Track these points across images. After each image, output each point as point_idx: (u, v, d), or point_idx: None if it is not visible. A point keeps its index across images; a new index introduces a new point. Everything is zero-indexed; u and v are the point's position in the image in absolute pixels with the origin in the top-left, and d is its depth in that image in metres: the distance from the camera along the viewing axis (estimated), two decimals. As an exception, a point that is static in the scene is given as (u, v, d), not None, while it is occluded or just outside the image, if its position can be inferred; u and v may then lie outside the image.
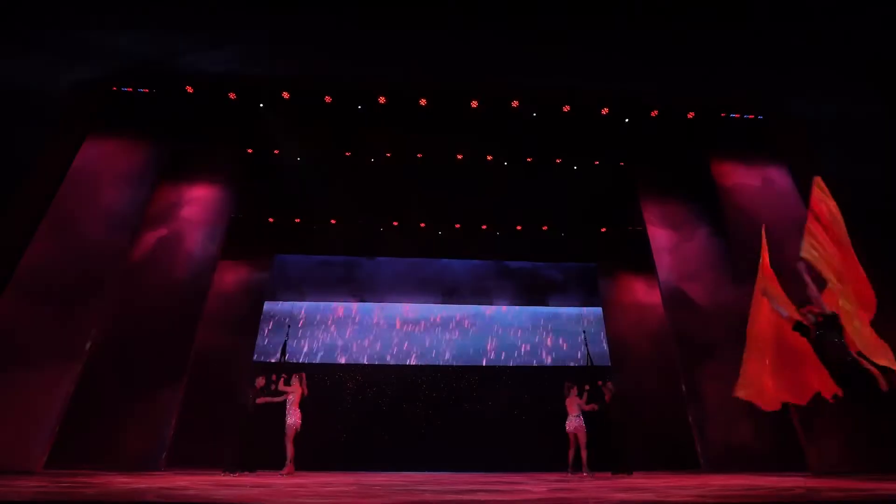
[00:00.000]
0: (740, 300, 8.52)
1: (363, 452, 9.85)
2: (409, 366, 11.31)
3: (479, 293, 12.38)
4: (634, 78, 8.51)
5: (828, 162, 7.49)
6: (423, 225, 11.47)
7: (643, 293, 11.40)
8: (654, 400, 9.87)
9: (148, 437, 7.07)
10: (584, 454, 7.39)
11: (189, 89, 8.31)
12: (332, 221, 11.33)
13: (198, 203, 9.00)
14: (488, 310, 12.37)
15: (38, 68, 7.43)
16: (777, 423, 7.48)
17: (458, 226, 11.56)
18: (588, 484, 5.31)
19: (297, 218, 11.29)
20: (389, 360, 11.52)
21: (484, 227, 11.59)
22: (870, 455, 6.24)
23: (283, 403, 7.34)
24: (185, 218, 8.80)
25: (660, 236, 9.30)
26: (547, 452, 9.72)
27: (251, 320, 10.72)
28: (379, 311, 12.12)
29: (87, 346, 6.69)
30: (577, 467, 7.45)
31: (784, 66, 8.20)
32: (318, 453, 9.52)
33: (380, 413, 10.43)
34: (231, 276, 10.88)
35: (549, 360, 11.81)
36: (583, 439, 7.46)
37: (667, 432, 9.31)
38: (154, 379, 7.36)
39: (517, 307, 12.45)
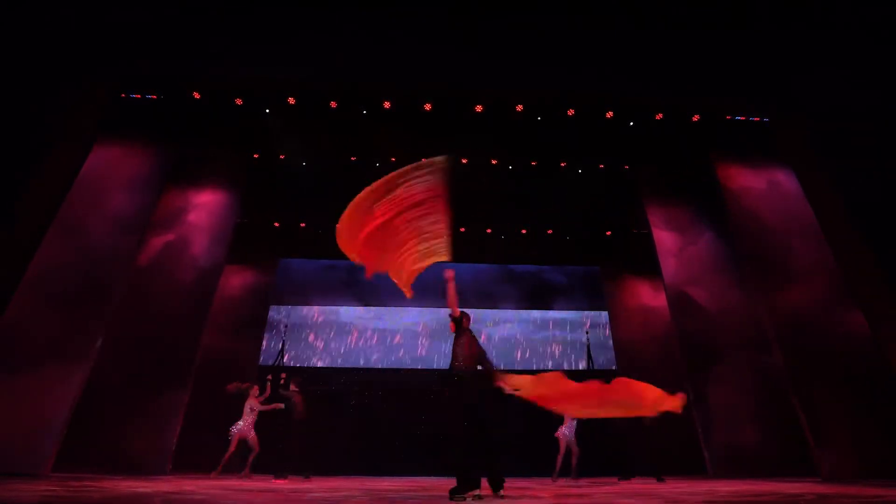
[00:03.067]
0: (746, 303, 8.51)
1: (369, 457, 9.83)
2: (415, 370, 11.29)
3: (483, 297, 12.37)
4: (639, 81, 8.50)
5: (832, 163, 7.46)
6: (427, 229, 11.48)
7: (648, 296, 11.35)
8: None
9: (154, 441, 7.09)
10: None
11: (196, 95, 8.37)
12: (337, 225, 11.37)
13: (204, 208, 9.06)
14: (493, 314, 12.34)
15: (47, 74, 7.51)
16: (784, 428, 7.42)
17: (462, 229, 11.55)
18: (595, 489, 5.28)
19: (301, 222, 11.33)
20: (394, 364, 11.51)
21: (489, 230, 11.59)
22: (880, 461, 6.17)
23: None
24: (192, 223, 8.85)
25: (665, 239, 9.27)
26: (552, 457, 9.69)
27: (256, 324, 10.75)
28: (383, 316, 12.13)
29: (94, 350, 6.72)
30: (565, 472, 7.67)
31: (788, 68, 8.19)
32: (323, 458, 9.52)
33: (386, 417, 10.42)
34: (237, 280, 10.92)
35: (553, 365, 11.76)
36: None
37: (673, 437, 9.23)
38: (160, 383, 7.38)
39: (522, 311, 12.43)
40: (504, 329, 12.19)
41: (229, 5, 7.38)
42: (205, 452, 8.52)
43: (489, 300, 12.40)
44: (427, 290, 12.21)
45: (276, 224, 11.35)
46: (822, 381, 6.70)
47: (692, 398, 8.27)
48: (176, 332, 7.81)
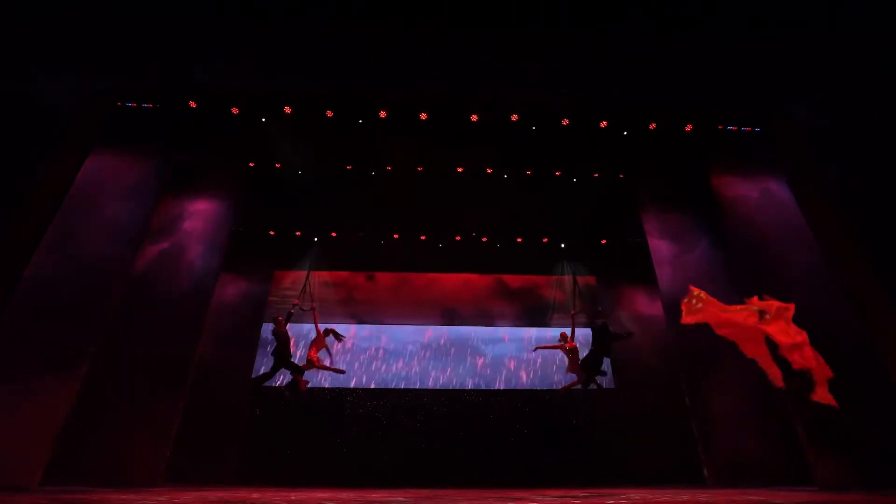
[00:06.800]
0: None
1: (362, 468, 9.69)
2: (410, 390, 11.03)
3: (480, 315, 12.16)
4: (633, 90, 8.60)
5: (826, 171, 7.54)
6: (423, 237, 11.47)
7: (644, 305, 11.35)
8: (658, 413, 9.76)
9: (147, 452, 6.98)
10: None
11: (192, 104, 8.41)
12: (333, 234, 11.32)
13: (200, 216, 9.02)
14: (489, 331, 12.07)
15: (45, 84, 7.52)
16: (784, 437, 7.39)
17: (458, 238, 11.56)
18: (590, 501, 5.23)
19: (297, 231, 11.29)
20: (390, 382, 11.24)
21: (484, 239, 11.59)
22: (879, 469, 6.16)
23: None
24: (187, 231, 8.81)
25: (660, 248, 9.30)
26: (549, 468, 9.63)
27: (251, 334, 10.64)
28: (378, 333, 11.88)
29: (88, 359, 6.64)
30: None
31: (781, 79, 8.30)
32: (316, 468, 9.40)
33: (380, 428, 10.28)
34: (232, 290, 10.84)
35: (551, 383, 11.43)
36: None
37: (671, 446, 9.20)
38: (154, 393, 7.29)
39: (519, 328, 12.18)
40: (500, 346, 11.92)
41: (226, 14, 7.42)
42: (198, 463, 8.42)
43: (486, 318, 12.13)
44: (424, 307, 12.03)
45: (272, 233, 11.30)
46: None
47: (689, 406, 8.25)
48: (171, 341, 7.73)
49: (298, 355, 8.10)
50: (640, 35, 8.17)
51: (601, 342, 7.15)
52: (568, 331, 7.79)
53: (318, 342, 7.39)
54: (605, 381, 11.06)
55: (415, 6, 7.74)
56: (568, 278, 10.86)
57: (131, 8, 7.22)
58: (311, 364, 7.18)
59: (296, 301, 8.10)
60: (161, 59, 7.94)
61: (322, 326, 7.57)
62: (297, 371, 7.09)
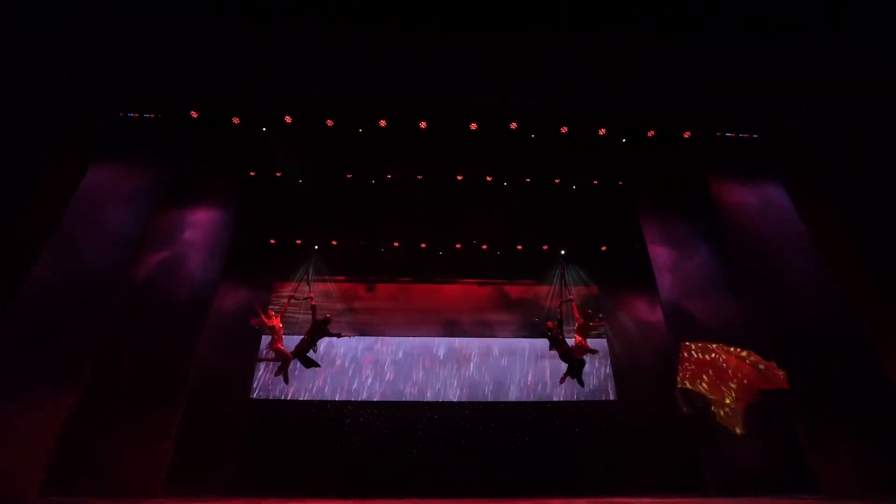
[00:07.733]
0: (744, 317, 8.46)
1: (364, 478, 9.61)
2: (410, 401, 10.90)
3: (480, 325, 12.07)
4: (632, 95, 8.59)
5: (825, 173, 7.51)
6: (423, 245, 11.46)
7: (645, 311, 11.28)
8: (659, 420, 9.66)
9: (145, 463, 6.93)
10: None
11: (193, 114, 8.48)
12: (333, 243, 11.33)
13: (200, 225, 9.05)
14: (489, 342, 11.87)
15: (44, 85, 7.59)
16: (787, 444, 7.30)
17: (458, 245, 11.54)
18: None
19: (297, 240, 11.29)
20: (391, 392, 11.10)
21: (484, 247, 11.56)
22: (882, 475, 6.08)
23: None
24: (187, 240, 8.84)
25: (660, 255, 9.26)
26: (551, 477, 9.55)
27: (251, 345, 10.60)
28: (378, 344, 11.74)
29: (86, 369, 6.64)
30: None
31: (780, 81, 8.28)
32: (317, 479, 9.34)
33: (381, 438, 10.20)
34: (232, 299, 10.83)
35: (552, 395, 11.30)
36: None
37: (673, 453, 9.09)
38: (153, 402, 7.26)
39: (520, 339, 12.04)
40: (500, 357, 11.78)
41: (225, 15, 7.47)
42: (197, 473, 8.40)
43: (487, 328, 12.02)
44: (425, 318, 11.88)
45: (272, 241, 11.31)
46: (822, 394, 6.62)
47: (693, 414, 8.17)
48: (169, 351, 7.72)
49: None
50: (640, 35, 8.15)
51: (555, 343, 8.14)
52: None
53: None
54: (607, 390, 10.98)
55: (415, 6, 7.75)
56: (558, 287, 10.85)
57: (131, 8, 7.28)
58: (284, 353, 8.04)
59: (295, 288, 9.01)
60: (161, 60, 7.95)
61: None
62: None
